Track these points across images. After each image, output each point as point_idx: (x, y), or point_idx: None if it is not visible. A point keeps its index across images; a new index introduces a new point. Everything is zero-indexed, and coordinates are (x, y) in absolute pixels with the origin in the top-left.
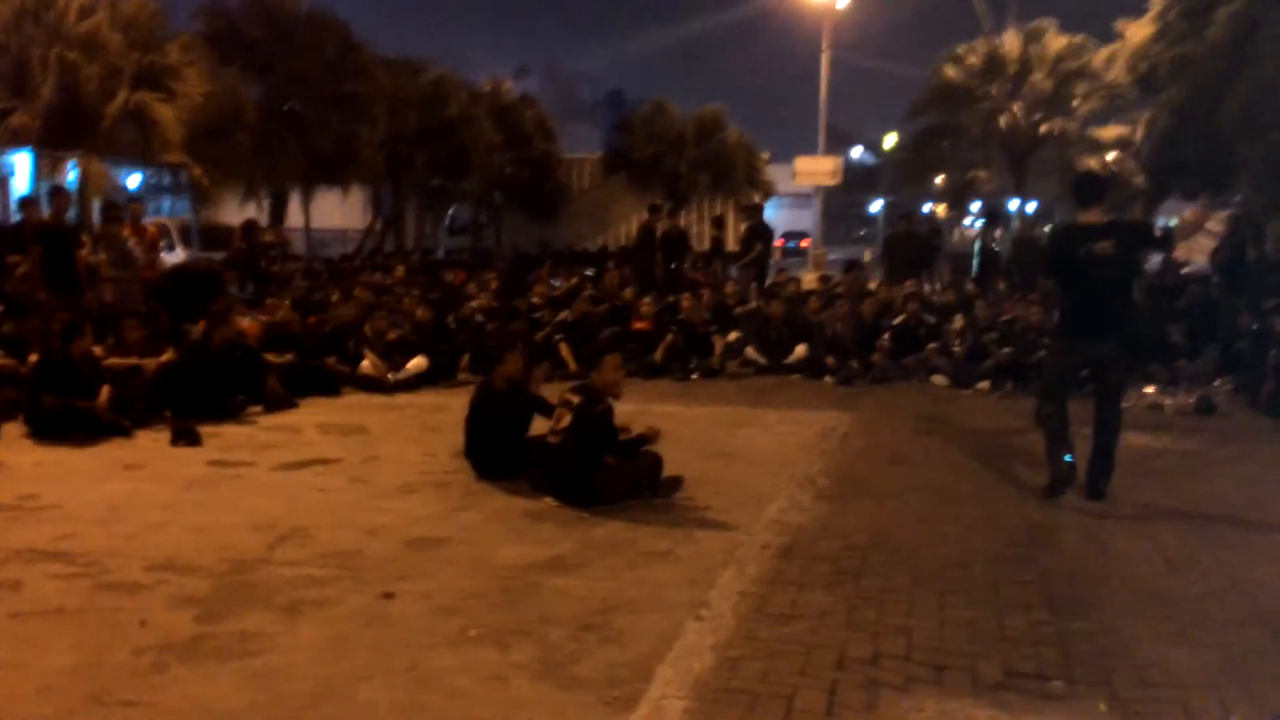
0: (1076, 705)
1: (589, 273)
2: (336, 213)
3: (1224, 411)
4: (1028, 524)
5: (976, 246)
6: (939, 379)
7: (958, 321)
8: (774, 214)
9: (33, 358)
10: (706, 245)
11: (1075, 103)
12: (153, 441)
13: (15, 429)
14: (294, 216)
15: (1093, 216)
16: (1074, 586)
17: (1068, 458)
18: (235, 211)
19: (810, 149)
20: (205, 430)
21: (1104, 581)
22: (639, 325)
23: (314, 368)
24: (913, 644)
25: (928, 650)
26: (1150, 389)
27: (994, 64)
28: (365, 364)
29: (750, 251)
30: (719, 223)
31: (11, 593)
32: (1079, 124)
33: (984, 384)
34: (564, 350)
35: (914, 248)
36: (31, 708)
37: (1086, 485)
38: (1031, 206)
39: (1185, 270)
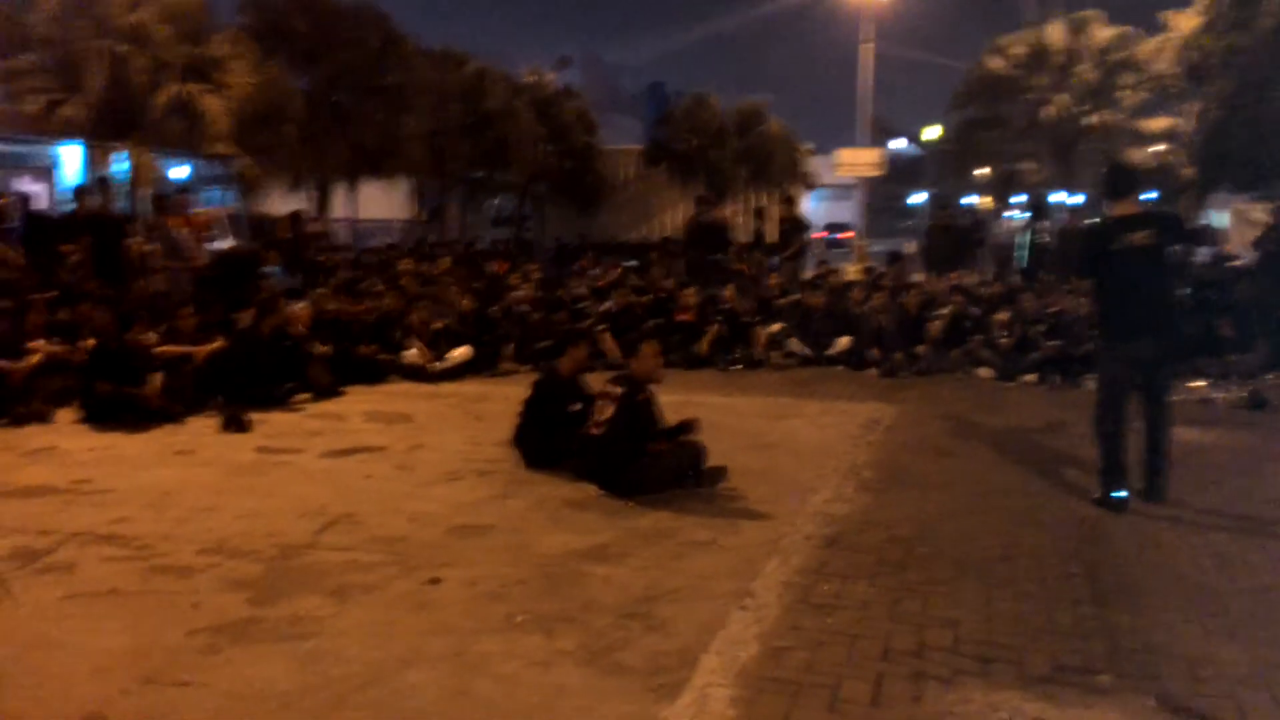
0: (1125, 700)
1: (630, 264)
2: (381, 204)
3: (1276, 406)
4: (1074, 518)
5: (1026, 238)
6: (984, 371)
7: (1003, 313)
8: (815, 206)
9: (86, 344)
10: (747, 238)
11: (1122, 94)
12: (203, 428)
13: (69, 415)
14: (339, 208)
15: (1127, 208)
16: (1122, 580)
17: (1122, 494)
18: (282, 202)
19: (853, 141)
20: (254, 417)
21: (1153, 576)
22: (682, 316)
23: (359, 356)
24: (958, 636)
25: (974, 643)
26: (1200, 383)
27: (1039, 55)
28: (410, 353)
29: (791, 244)
30: (760, 214)
31: (66, 574)
32: (1126, 116)
33: (1030, 376)
34: (608, 340)
35: (952, 240)
36: (87, 688)
37: (1146, 488)
38: (1078, 199)
39: (1236, 263)
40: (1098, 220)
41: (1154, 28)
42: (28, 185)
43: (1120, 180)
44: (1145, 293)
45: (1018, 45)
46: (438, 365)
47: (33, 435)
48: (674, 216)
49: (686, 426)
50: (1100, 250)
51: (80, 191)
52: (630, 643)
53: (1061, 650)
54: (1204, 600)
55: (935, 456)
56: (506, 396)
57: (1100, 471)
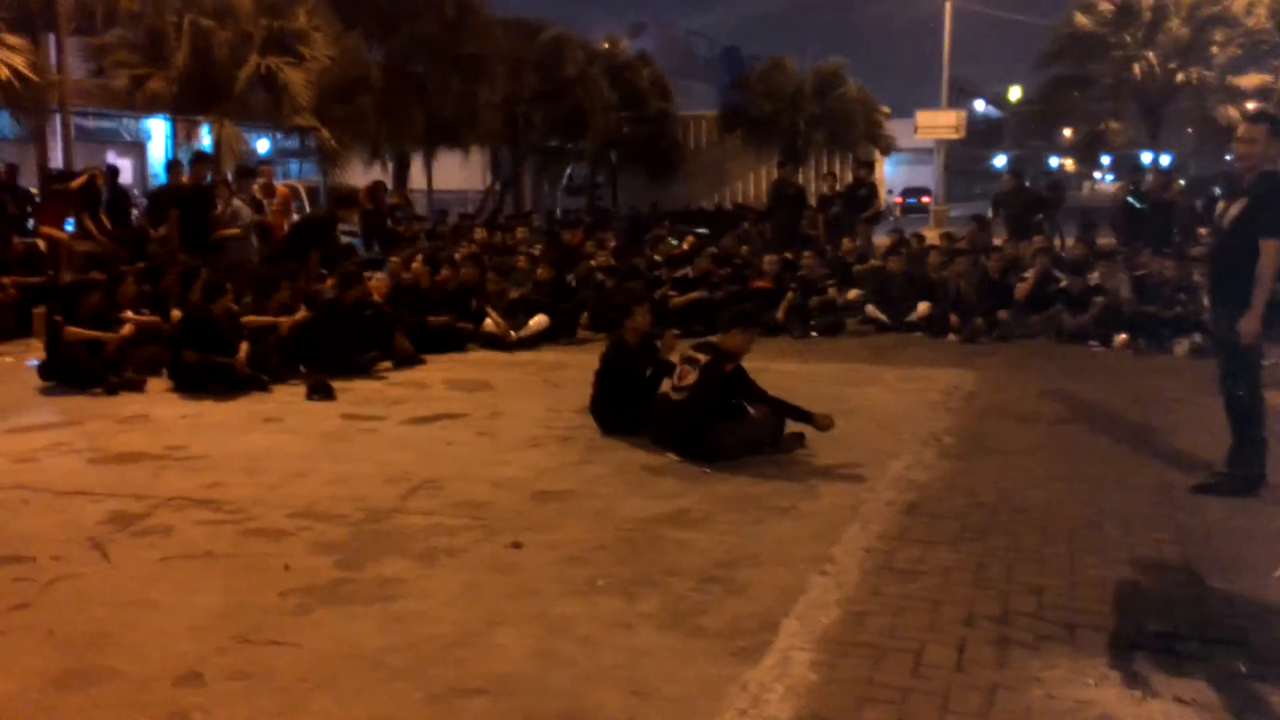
0: (1213, 666)
1: (702, 231)
2: (457, 174)
3: None
4: (1162, 483)
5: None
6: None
7: (1092, 278)
8: (893, 171)
9: (175, 314)
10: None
11: (1213, 50)
12: (289, 396)
13: (160, 384)
14: (416, 178)
15: None
16: (1211, 548)
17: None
18: (361, 174)
19: (932, 103)
20: (338, 385)
21: (1243, 543)
22: (759, 283)
23: (434, 325)
24: (1043, 602)
25: (1059, 609)
26: None
27: (1128, 11)
28: (488, 322)
29: (870, 207)
30: (832, 179)
31: (163, 538)
32: (1217, 72)
33: (1120, 338)
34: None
35: (1023, 204)
36: (184, 645)
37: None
38: (1165, 160)
39: None
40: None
41: None
42: (114, 159)
43: None
44: None
45: (1105, 1)
46: (516, 334)
47: (126, 403)
48: (749, 183)
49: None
50: None
51: (169, 166)
52: (711, 607)
53: (1149, 617)
54: None
55: (1018, 423)
56: (583, 364)
57: (1237, 450)
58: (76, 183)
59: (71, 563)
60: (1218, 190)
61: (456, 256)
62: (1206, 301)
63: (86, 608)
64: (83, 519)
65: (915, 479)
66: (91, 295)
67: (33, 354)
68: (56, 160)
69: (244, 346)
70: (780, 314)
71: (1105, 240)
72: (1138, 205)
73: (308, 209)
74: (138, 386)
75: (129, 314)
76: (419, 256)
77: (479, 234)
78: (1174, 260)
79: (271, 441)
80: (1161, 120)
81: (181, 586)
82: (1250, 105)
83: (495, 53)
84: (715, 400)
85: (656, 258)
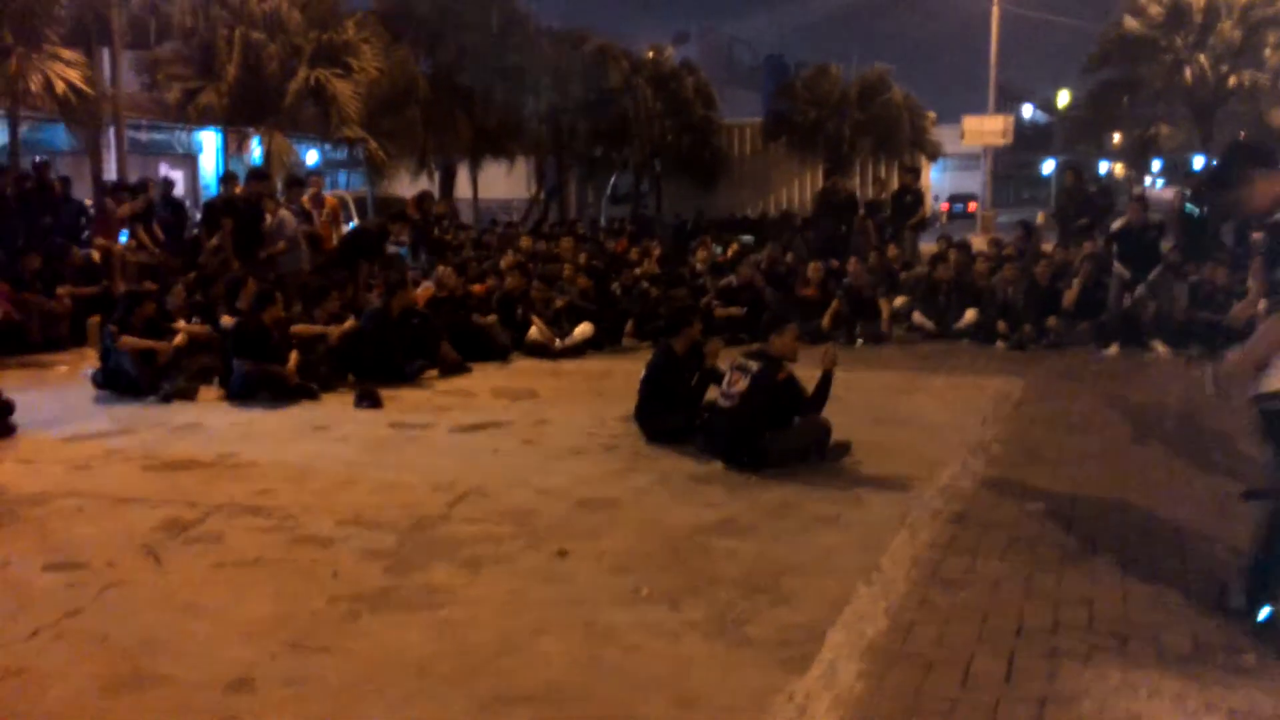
0: (1270, 679)
1: (746, 239)
2: (502, 183)
3: None
4: (1216, 494)
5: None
6: (1160, 347)
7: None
8: (940, 176)
9: (225, 322)
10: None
11: (1267, 53)
12: (338, 404)
13: (211, 392)
14: (462, 188)
15: None
16: None
17: None
18: (408, 184)
19: (979, 108)
20: (385, 394)
21: None
22: (805, 291)
23: (476, 328)
24: (1094, 614)
25: (1110, 620)
26: None
27: (1178, 13)
28: (533, 330)
29: (916, 215)
30: (880, 186)
31: (215, 544)
32: (1270, 75)
33: (1162, 348)
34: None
35: (1076, 205)
36: (236, 651)
37: None
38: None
39: None
40: None
41: None
42: (167, 171)
43: None
44: None
45: (1155, 3)
46: (561, 342)
47: (179, 411)
48: (793, 190)
49: (828, 375)
50: None
51: (224, 178)
52: (757, 616)
53: (1202, 628)
54: None
55: (1068, 432)
56: (628, 372)
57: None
58: (124, 210)
59: (124, 569)
60: None
61: (502, 265)
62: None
63: (139, 614)
64: (136, 526)
65: (963, 488)
66: (145, 305)
67: (88, 363)
68: (110, 172)
69: (294, 355)
70: (826, 322)
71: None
72: (1195, 213)
73: (355, 220)
74: (190, 395)
75: (181, 323)
76: (450, 269)
77: (524, 242)
78: (1226, 266)
79: (320, 449)
80: (1213, 124)
81: (232, 593)
82: None
83: (540, 64)
84: (767, 409)
85: (699, 266)
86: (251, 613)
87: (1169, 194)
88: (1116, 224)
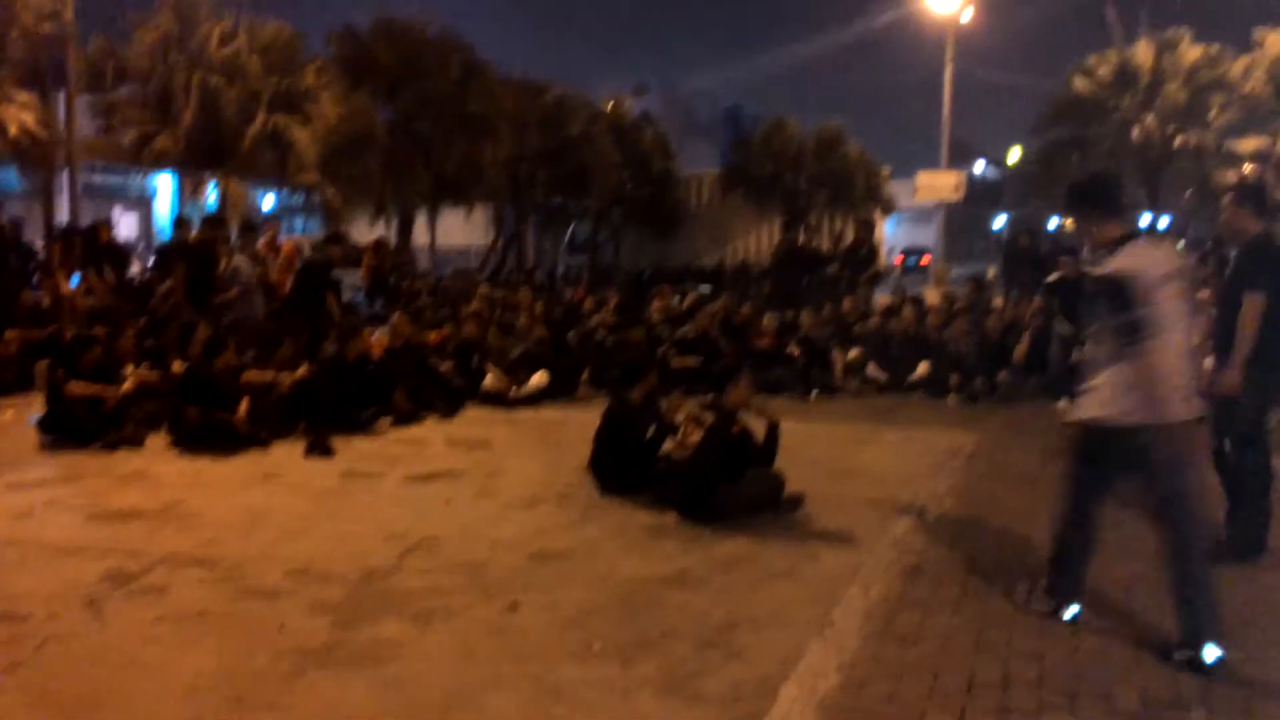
0: None
1: (704, 289)
2: (460, 231)
3: None
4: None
5: None
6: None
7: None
8: (894, 230)
9: (176, 369)
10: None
11: (1211, 114)
12: (288, 453)
13: (159, 440)
14: (420, 234)
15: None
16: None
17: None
18: (365, 230)
19: (932, 163)
20: (338, 442)
21: (1248, 610)
22: (760, 342)
23: (438, 383)
24: (1044, 669)
25: (1061, 676)
26: None
27: (1126, 75)
28: (488, 379)
29: (870, 268)
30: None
31: (158, 597)
32: (1215, 136)
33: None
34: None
35: (1026, 263)
36: (177, 709)
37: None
38: (1164, 221)
39: None
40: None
41: (1244, 46)
42: (120, 214)
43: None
44: None
45: (1104, 65)
46: (517, 391)
47: (125, 460)
48: (750, 241)
49: (773, 426)
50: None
51: (177, 223)
52: (710, 671)
53: (1151, 684)
54: None
55: (1020, 485)
56: (584, 422)
57: (1235, 515)
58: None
59: (66, 622)
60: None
61: (467, 312)
62: (1209, 364)
63: (80, 668)
64: (79, 577)
65: (916, 541)
66: (93, 350)
67: (33, 409)
68: (63, 216)
69: (245, 403)
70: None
71: None
72: None
73: None
74: (137, 442)
75: (130, 369)
76: (405, 317)
77: (482, 290)
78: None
79: (270, 499)
80: (1160, 183)
81: (175, 647)
82: (1247, 168)
83: (500, 112)
84: (721, 461)
85: (656, 316)
86: (194, 668)
87: None
88: (1052, 277)
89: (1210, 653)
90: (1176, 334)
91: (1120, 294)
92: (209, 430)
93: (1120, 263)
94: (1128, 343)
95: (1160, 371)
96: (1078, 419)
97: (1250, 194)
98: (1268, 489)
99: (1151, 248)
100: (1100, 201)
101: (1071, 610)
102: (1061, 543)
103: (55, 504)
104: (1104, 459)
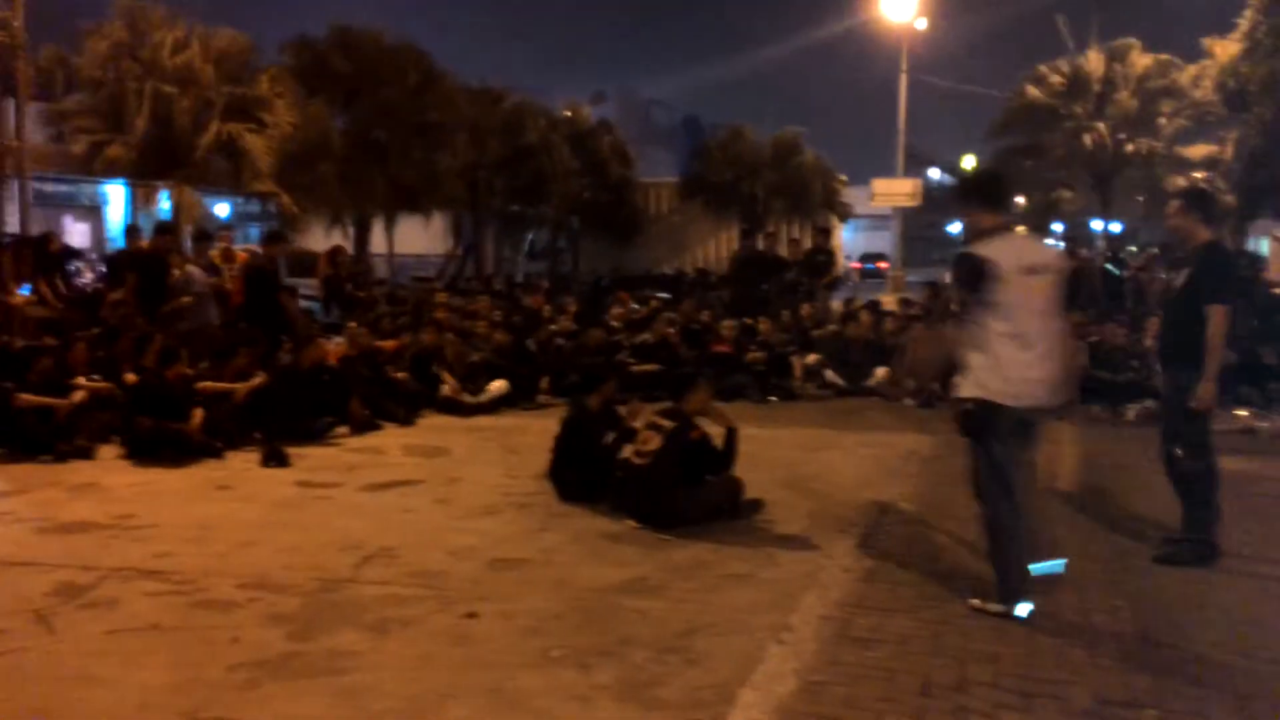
0: None
1: (663, 296)
2: (418, 238)
3: None
4: (1118, 550)
5: (1109, 267)
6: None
7: None
8: (852, 236)
9: (128, 380)
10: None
11: (1162, 121)
12: (243, 463)
13: (111, 450)
14: (377, 242)
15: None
16: (1168, 614)
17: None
18: (322, 239)
19: (888, 171)
20: (293, 451)
21: (1199, 609)
22: (719, 348)
23: (395, 391)
24: (1000, 670)
25: (1015, 677)
26: (1243, 412)
27: (1078, 83)
28: (445, 387)
29: (828, 274)
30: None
31: (109, 610)
32: (1166, 143)
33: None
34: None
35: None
36: None
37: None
38: (1116, 227)
39: (1277, 290)
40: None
41: (1193, 55)
42: (71, 223)
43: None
44: None
45: (1056, 74)
46: (475, 399)
47: (76, 471)
48: (709, 248)
49: (732, 431)
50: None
51: (129, 231)
52: (668, 677)
53: (1105, 684)
54: (1253, 633)
55: None
56: (543, 429)
57: (1189, 520)
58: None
59: (15, 637)
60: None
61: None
62: (1158, 366)
63: (29, 684)
64: (28, 591)
65: (873, 545)
66: (43, 360)
67: None
68: (13, 225)
69: (198, 413)
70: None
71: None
72: (1116, 273)
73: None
74: (88, 454)
75: (81, 380)
76: (362, 327)
77: (440, 298)
78: (1126, 327)
79: (223, 510)
80: (1112, 189)
81: (127, 661)
82: (1198, 174)
83: (457, 120)
84: (680, 467)
85: (615, 323)
86: (147, 681)
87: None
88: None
89: (1023, 609)
90: (1033, 323)
91: (976, 274)
92: (162, 441)
93: (984, 248)
94: (979, 322)
95: (1006, 354)
96: (961, 400)
97: (1196, 199)
98: (1208, 485)
99: (1020, 240)
100: (984, 194)
101: (1025, 607)
102: (995, 536)
103: (4, 516)
104: (1001, 434)
